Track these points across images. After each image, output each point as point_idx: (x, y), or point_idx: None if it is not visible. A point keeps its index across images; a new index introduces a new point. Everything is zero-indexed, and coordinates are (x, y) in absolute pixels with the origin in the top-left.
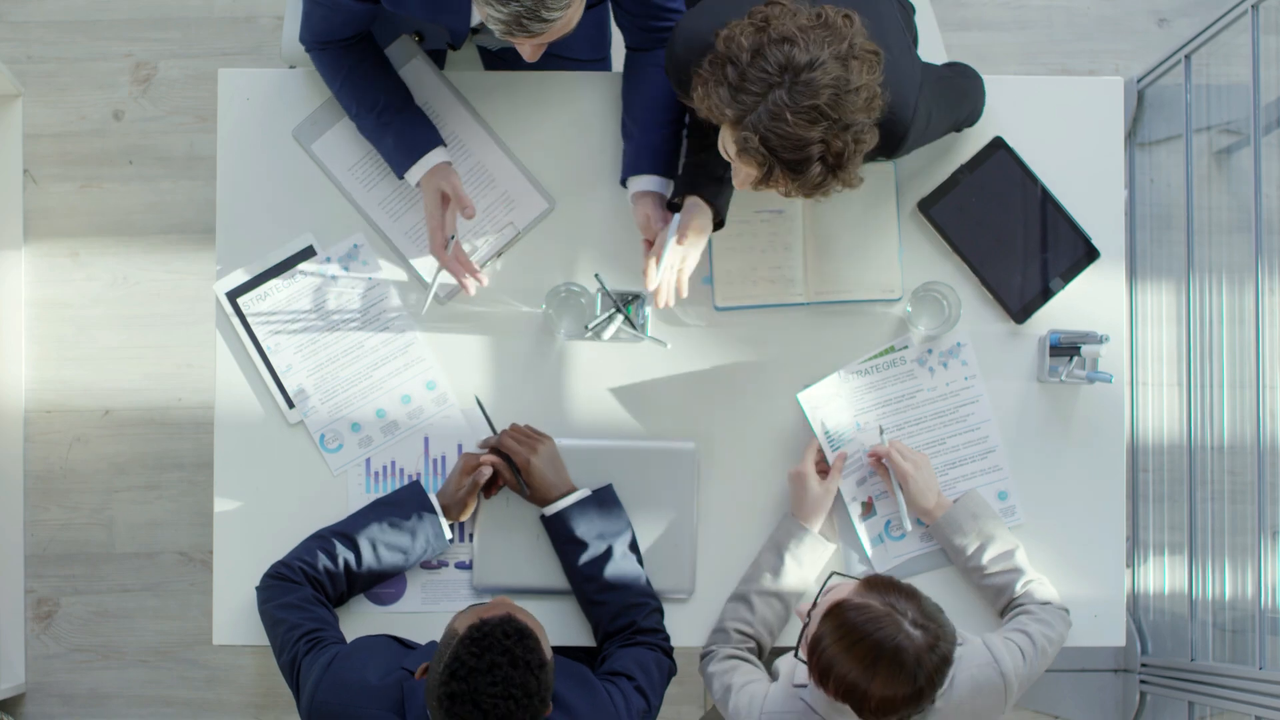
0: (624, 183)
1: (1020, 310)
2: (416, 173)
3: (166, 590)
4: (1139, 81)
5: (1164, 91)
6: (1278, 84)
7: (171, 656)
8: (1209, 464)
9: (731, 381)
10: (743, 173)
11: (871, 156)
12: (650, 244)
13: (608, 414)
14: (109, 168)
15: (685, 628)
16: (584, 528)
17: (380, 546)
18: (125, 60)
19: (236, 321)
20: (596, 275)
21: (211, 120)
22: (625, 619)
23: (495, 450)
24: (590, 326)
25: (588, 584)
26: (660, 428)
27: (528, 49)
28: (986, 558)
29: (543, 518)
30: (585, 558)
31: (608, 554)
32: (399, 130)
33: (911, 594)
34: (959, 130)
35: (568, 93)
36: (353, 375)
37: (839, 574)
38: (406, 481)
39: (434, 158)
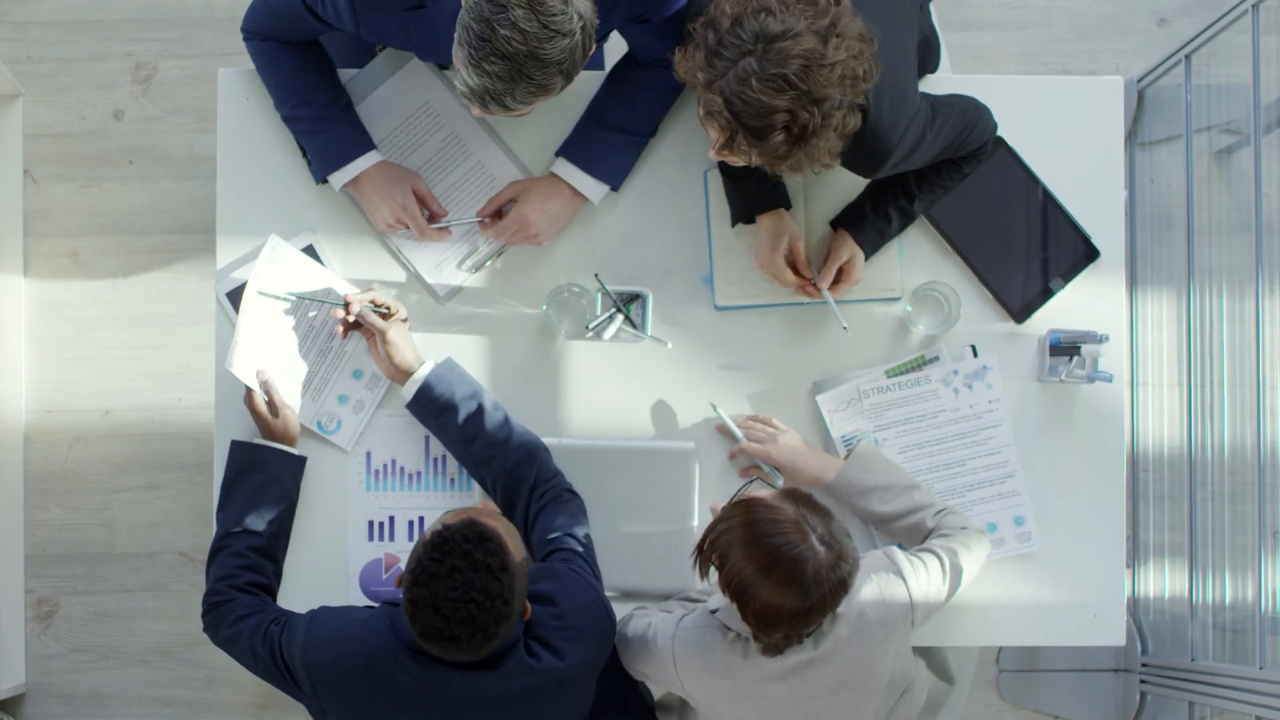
0: (559, 155)
1: (1020, 310)
2: (342, 176)
3: (166, 590)
4: (1139, 81)
5: (1164, 91)
6: (1278, 84)
7: (171, 656)
8: (1209, 464)
9: (731, 381)
10: (710, 138)
11: (851, 165)
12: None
13: (608, 414)
14: (109, 168)
15: None
16: (449, 391)
17: (266, 512)
18: (125, 60)
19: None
20: (596, 275)
21: (211, 120)
22: (522, 472)
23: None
24: (591, 326)
25: (472, 444)
26: (660, 428)
27: (476, 110)
28: (891, 506)
29: (411, 402)
30: (461, 417)
31: (480, 411)
32: (337, 131)
33: (826, 513)
34: (962, 169)
35: (566, 92)
36: (314, 357)
37: (763, 480)
38: (406, 479)
39: (370, 159)
